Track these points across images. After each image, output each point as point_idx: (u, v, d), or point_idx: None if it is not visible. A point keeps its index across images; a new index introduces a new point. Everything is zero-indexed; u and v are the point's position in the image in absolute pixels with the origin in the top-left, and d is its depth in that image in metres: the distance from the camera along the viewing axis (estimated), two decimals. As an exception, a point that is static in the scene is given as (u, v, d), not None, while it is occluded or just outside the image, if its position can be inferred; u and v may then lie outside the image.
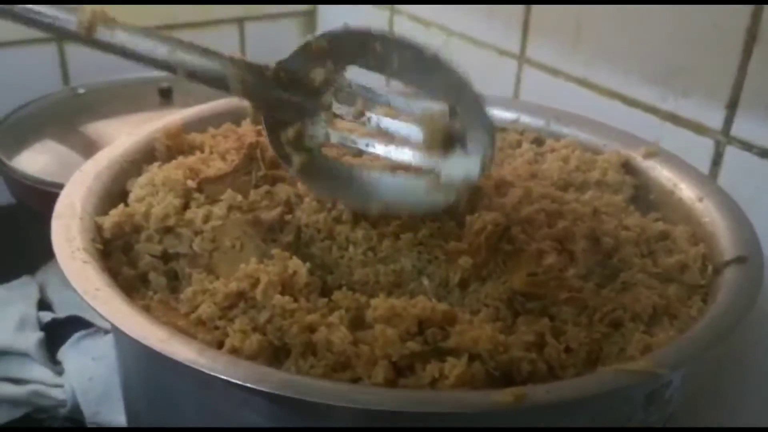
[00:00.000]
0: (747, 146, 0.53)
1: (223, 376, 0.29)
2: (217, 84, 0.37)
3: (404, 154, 0.39)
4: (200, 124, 0.50)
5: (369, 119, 0.39)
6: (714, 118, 0.54)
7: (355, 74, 0.39)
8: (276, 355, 0.33)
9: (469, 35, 0.73)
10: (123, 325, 0.31)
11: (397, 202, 0.38)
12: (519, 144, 0.53)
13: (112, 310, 0.32)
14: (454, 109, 0.38)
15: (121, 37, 0.37)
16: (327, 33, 0.37)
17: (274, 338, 0.33)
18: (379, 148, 0.39)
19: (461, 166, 0.38)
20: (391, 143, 0.39)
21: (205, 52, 0.37)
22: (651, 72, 0.58)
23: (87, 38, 0.36)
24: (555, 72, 0.65)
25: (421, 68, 0.37)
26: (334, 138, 0.39)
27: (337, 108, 0.39)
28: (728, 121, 0.54)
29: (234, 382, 0.28)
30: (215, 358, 0.30)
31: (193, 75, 0.37)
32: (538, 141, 0.54)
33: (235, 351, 0.32)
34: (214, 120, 0.51)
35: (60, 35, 0.37)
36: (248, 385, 0.28)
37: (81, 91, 0.77)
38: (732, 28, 0.51)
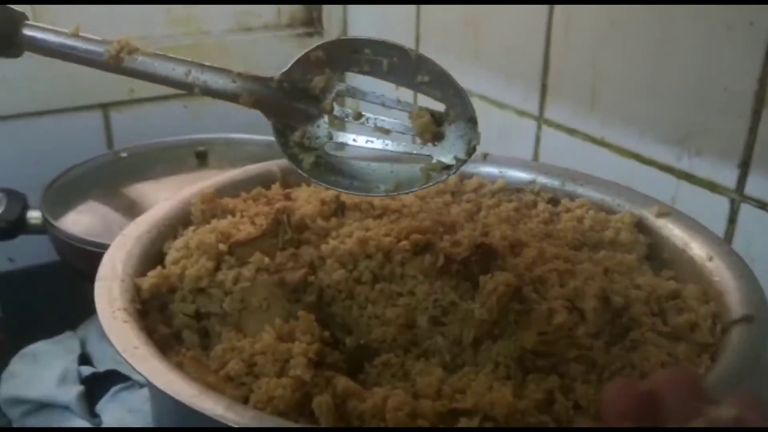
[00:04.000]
0: (761, 204, 0.54)
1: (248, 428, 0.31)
2: (229, 97, 0.42)
3: (399, 146, 0.43)
4: (233, 188, 0.54)
5: (367, 119, 0.43)
6: (728, 177, 0.56)
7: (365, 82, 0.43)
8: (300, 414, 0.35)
9: (490, 97, 0.76)
10: (158, 382, 0.33)
11: (397, 187, 0.42)
12: (535, 204, 0.55)
13: (149, 368, 0.35)
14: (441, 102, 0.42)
15: (144, 62, 0.41)
16: (322, 44, 0.42)
17: (300, 395, 0.35)
18: (378, 143, 0.43)
19: (450, 152, 0.42)
20: (387, 138, 0.43)
21: (217, 70, 0.42)
22: (665, 132, 0.60)
23: (116, 66, 0.41)
24: (572, 132, 0.67)
25: (408, 67, 0.41)
26: (337, 137, 0.43)
27: (338, 111, 0.43)
28: (741, 180, 0.55)
29: (258, 435, 0.31)
30: (242, 413, 0.32)
31: (208, 91, 0.42)
32: (554, 201, 0.56)
33: (260, 406, 0.34)
34: (246, 184, 0.54)
35: (91, 65, 0.42)
36: (271, 438, 0.30)
37: (124, 154, 0.82)
38: (741, 92, 0.53)
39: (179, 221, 0.49)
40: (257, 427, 0.32)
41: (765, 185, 0.54)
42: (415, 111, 0.42)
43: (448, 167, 0.42)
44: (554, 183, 0.57)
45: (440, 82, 0.41)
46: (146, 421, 0.52)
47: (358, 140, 0.43)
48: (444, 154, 0.42)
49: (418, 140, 0.42)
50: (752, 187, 0.55)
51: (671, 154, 0.60)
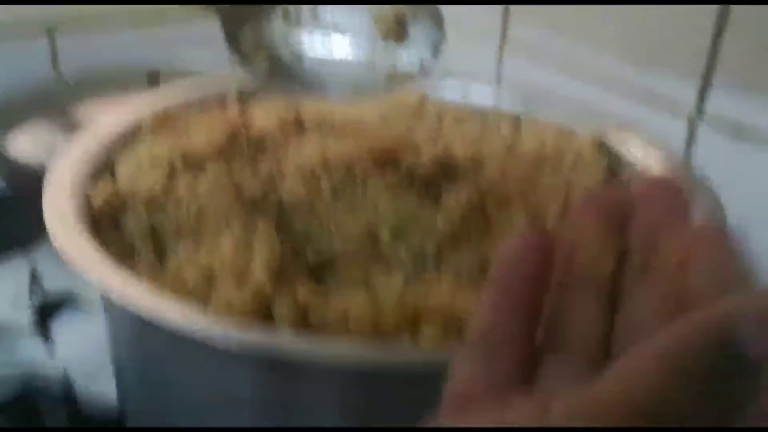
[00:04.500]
0: (719, 123, 0.54)
1: (208, 335, 0.30)
2: None
3: (359, 48, 0.40)
4: (186, 103, 0.51)
5: (324, 17, 0.40)
6: (688, 97, 0.56)
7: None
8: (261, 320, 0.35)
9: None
10: (113, 292, 0.32)
11: (357, 92, 0.40)
12: (497, 124, 0.54)
13: (103, 278, 0.33)
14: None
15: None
16: None
17: (260, 303, 0.34)
18: (336, 43, 0.40)
19: (414, 54, 0.40)
20: (346, 38, 0.40)
21: None
22: (627, 53, 0.60)
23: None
24: (535, 54, 0.66)
25: None
26: (291, 37, 0.40)
27: (293, 8, 0.40)
28: (701, 100, 0.55)
29: (219, 342, 0.30)
30: (200, 318, 0.31)
31: None
32: (516, 122, 0.55)
33: (219, 313, 0.33)
34: (200, 99, 0.52)
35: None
36: (230, 343, 0.30)
37: (70, 78, 0.78)
38: (703, 10, 0.53)
39: (130, 135, 0.47)
40: (217, 334, 0.31)
41: (724, 105, 0.54)
42: (376, 9, 0.40)
43: (410, 74, 0.40)
44: (517, 105, 0.57)
45: None
46: (101, 342, 0.51)
47: (314, 41, 0.40)
48: (408, 56, 0.40)
49: (380, 41, 0.40)
50: (712, 107, 0.55)
51: (632, 74, 0.60)
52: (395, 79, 0.40)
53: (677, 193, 0.22)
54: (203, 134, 0.46)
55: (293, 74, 0.41)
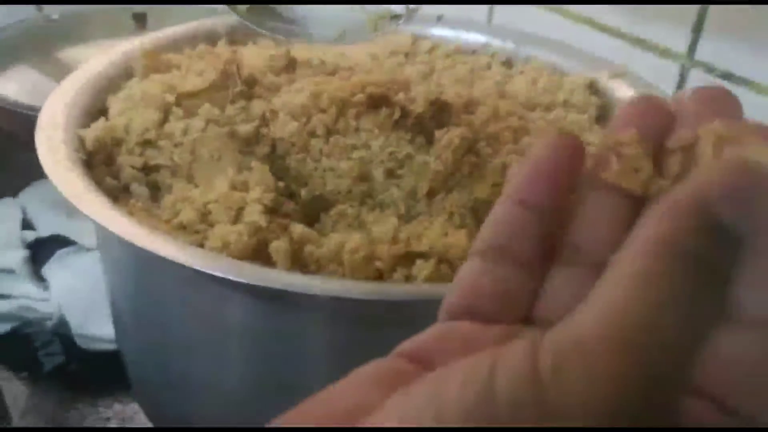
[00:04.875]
0: (709, 69, 0.55)
1: (204, 269, 0.31)
2: None
3: None
4: (176, 44, 0.51)
5: None
6: (679, 42, 0.56)
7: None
8: (256, 259, 0.35)
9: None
10: (109, 225, 0.33)
11: (342, 35, 0.40)
12: (489, 66, 0.54)
13: (99, 212, 0.34)
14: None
15: None
16: None
17: (256, 241, 0.35)
18: None
19: None
20: None
21: None
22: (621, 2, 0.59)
23: None
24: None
25: None
26: None
27: None
28: (692, 45, 0.55)
29: (215, 274, 0.30)
30: (197, 253, 0.32)
31: None
32: (508, 63, 0.55)
33: (215, 251, 0.34)
34: (190, 41, 0.52)
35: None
36: (229, 277, 0.30)
37: (55, 16, 0.76)
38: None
39: (120, 75, 0.47)
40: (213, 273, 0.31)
41: (715, 50, 0.54)
42: None
43: (397, 15, 0.39)
44: (508, 45, 0.56)
45: None
46: (95, 283, 0.51)
47: None
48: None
49: None
50: (702, 53, 0.55)
51: (624, 20, 0.59)
52: (380, 22, 0.40)
53: (728, 99, 0.20)
54: (195, 74, 0.45)
55: (278, 15, 0.40)
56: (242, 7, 0.39)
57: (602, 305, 0.16)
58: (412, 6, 0.39)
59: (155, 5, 0.77)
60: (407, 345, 0.20)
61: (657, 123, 0.20)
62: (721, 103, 0.20)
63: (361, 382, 0.18)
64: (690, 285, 0.15)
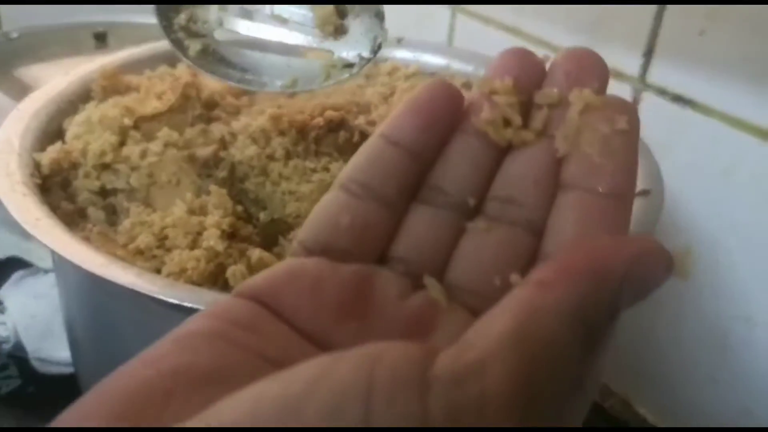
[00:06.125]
0: (661, 92, 0.56)
1: (161, 297, 0.31)
2: None
3: (297, 38, 0.40)
4: (136, 66, 0.51)
5: (262, 5, 0.39)
6: (632, 65, 0.57)
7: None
8: (213, 284, 0.35)
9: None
10: (65, 252, 0.32)
11: (294, 83, 0.39)
12: (448, 88, 0.55)
13: (54, 238, 0.33)
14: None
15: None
16: None
17: (213, 266, 0.35)
18: (274, 33, 0.40)
19: (354, 48, 0.39)
20: (284, 28, 0.40)
21: None
22: (575, 21, 0.61)
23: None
24: (487, 20, 0.67)
25: None
26: (228, 23, 0.40)
27: None
28: (645, 68, 0.57)
29: (172, 302, 0.30)
30: (153, 280, 0.32)
31: None
32: (467, 85, 0.56)
33: (173, 276, 0.34)
34: (150, 62, 0.51)
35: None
36: (186, 304, 0.30)
37: (14, 35, 0.76)
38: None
39: (79, 98, 0.46)
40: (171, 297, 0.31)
41: (667, 74, 0.56)
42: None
43: (350, 65, 0.39)
44: (468, 68, 0.57)
45: None
46: (52, 306, 0.51)
47: (251, 28, 0.39)
48: (347, 49, 0.39)
49: (319, 32, 0.39)
50: (654, 76, 0.57)
51: (580, 42, 0.61)
52: (333, 71, 0.39)
53: (595, 61, 0.21)
54: (155, 96, 0.45)
55: (229, 62, 0.40)
56: (192, 50, 0.38)
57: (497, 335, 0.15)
58: (365, 55, 0.39)
59: (116, 25, 0.77)
60: (251, 283, 0.19)
61: (530, 74, 0.21)
62: (588, 63, 0.21)
63: (191, 336, 0.17)
64: (574, 348, 0.15)
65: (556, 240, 0.19)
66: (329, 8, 0.39)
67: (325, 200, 0.20)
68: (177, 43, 0.39)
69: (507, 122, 0.20)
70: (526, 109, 0.21)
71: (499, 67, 0.21)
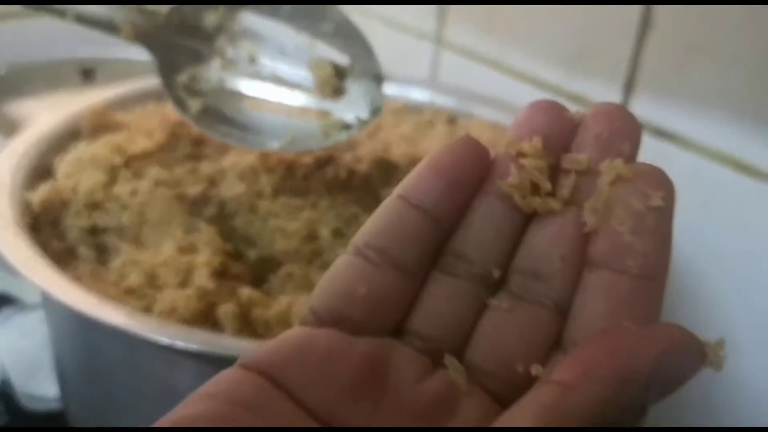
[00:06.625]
0: (642, 125, 0.57)
1: (152, 337, 0.31)
2: (107, 27, 0.38)
3: (297, 99, 0.40)
4: (125, 104, 0.52)
5: (263, 66, 0.40)
6: (612, 99, 0.59)
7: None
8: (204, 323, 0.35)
9: (389, 19, 0.75)
10: (55, 293, 0.33)
11: (292, 143, 0.40)
12: (432, 124, 0.56)
13: (45, 278, 0.34)
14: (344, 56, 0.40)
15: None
16: None
17: (204, 305, 0.35)
18: (273, 93, 0.40)
19: (351, 110, 0.39)
20: (284, 88, 0.40)
21: None
22: (557, 55, 0.62)
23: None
24: (470, 54, 0.68)
25: (311, 14, 0.39)
26: (228, 83, 0.40)
27: (232, 54, 0.40)
28: (625, 102, 0.58)
29: (162, 342, 0.31)
30: (144, 321, 0.32)
31: (83, 19, 0.37)
32: (451, 121, 0.57)
33: (163, 316, 0.34)
34: (140, 100, 0.52)
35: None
36: (176, 343, 0.31)
37: (2, 71, 0.76)
38: (628, 14, 0.56)
39: (69, 136, 0.47)
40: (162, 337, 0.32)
41: (647, 107, 0.57)
42: (316, 62, 0.39)
43: (348, 126, 0.39)
44: (451, 103, 0.59)
45: (346, 34, 0.39)
46: (42, 344, 0.51)
47: (251, 89, 0.40)
48: (345, 111, 0.39)
49: (316, 93, 0.40)
50: (635, 109, 0.58)
51: (562, 76, 0.62)
52: (331, 132, 0.40)
53: (627, 121, 0.20)
54: (144, 134, 0.46)
55: (229, 120, 0.40)
56: (193, 109, 0.39)
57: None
58: (363, 117, 0.39)
59: (104, 60, 0.77)
60: (257, 355, 0.17)
61: (559, 132, 0.19)
62: (619, 124, 0.19)
63: (189, 423, 0.16)
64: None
65: (582, 324, 0.18)
66: (329, 70, 0.39)
67: (339, 266, 0.19)
68: (178, 102, 0.39)
69: (534, 186, 0.19)
70: (554, 171, 0.19)
71: (527, 123, 0.20)
